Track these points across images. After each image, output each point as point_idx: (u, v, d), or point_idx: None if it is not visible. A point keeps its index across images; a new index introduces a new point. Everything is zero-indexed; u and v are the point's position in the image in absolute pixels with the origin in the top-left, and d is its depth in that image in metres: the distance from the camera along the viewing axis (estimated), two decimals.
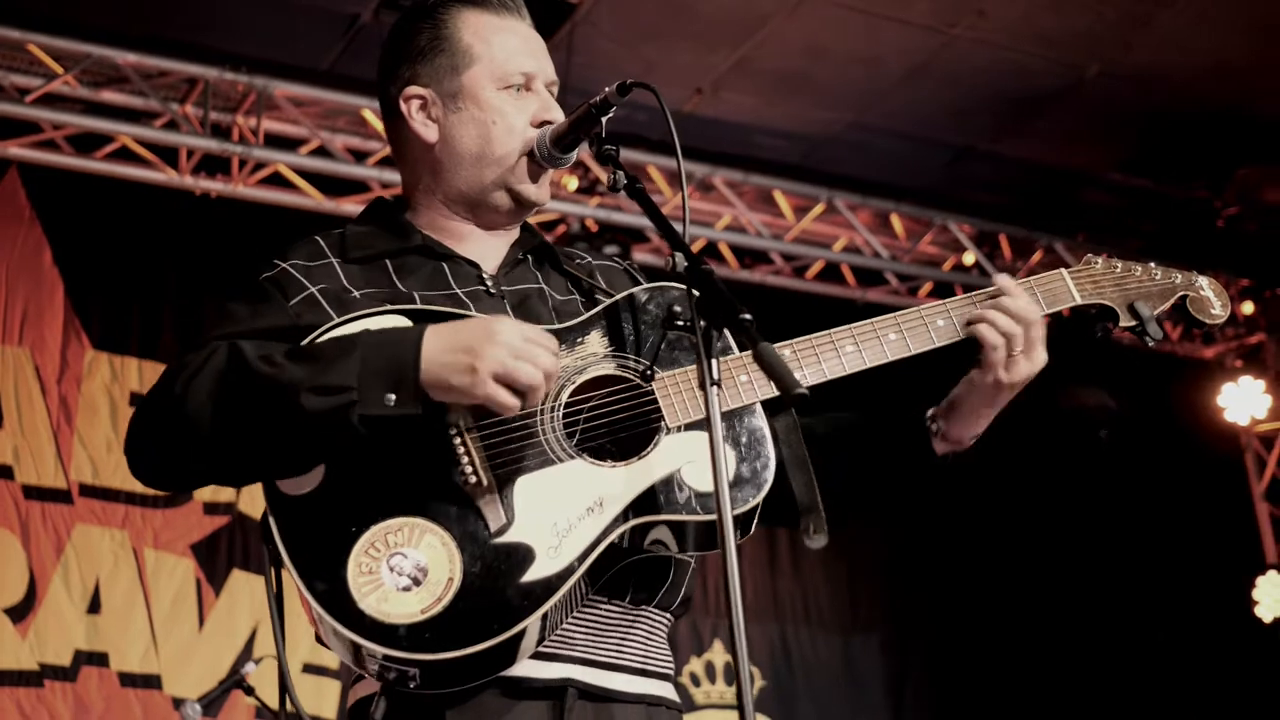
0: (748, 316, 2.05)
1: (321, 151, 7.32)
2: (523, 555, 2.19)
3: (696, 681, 7.94)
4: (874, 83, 7.58)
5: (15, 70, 6.85)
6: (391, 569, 2.15)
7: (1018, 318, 2.48)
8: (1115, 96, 7.71)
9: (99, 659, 6.46)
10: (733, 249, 8.29)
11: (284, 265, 2.43)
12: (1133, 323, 2.61)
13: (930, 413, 2.57)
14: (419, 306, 2.36)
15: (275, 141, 7.25)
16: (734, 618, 1.95)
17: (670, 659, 2.48)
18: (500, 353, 2.16)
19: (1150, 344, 2.61)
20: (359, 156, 7.41)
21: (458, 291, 2.45)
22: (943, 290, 8.62)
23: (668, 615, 2.46)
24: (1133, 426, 8.56)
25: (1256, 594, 8.78)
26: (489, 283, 2.49)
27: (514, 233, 2.62)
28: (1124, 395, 8.59)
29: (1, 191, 6.90)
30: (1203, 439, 9.08)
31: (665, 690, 2.43)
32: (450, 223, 2.56)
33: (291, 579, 2.18)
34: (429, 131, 2.54)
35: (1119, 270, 2.65)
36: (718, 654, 8.04)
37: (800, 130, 8.02)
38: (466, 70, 2.53)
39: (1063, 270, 2.62)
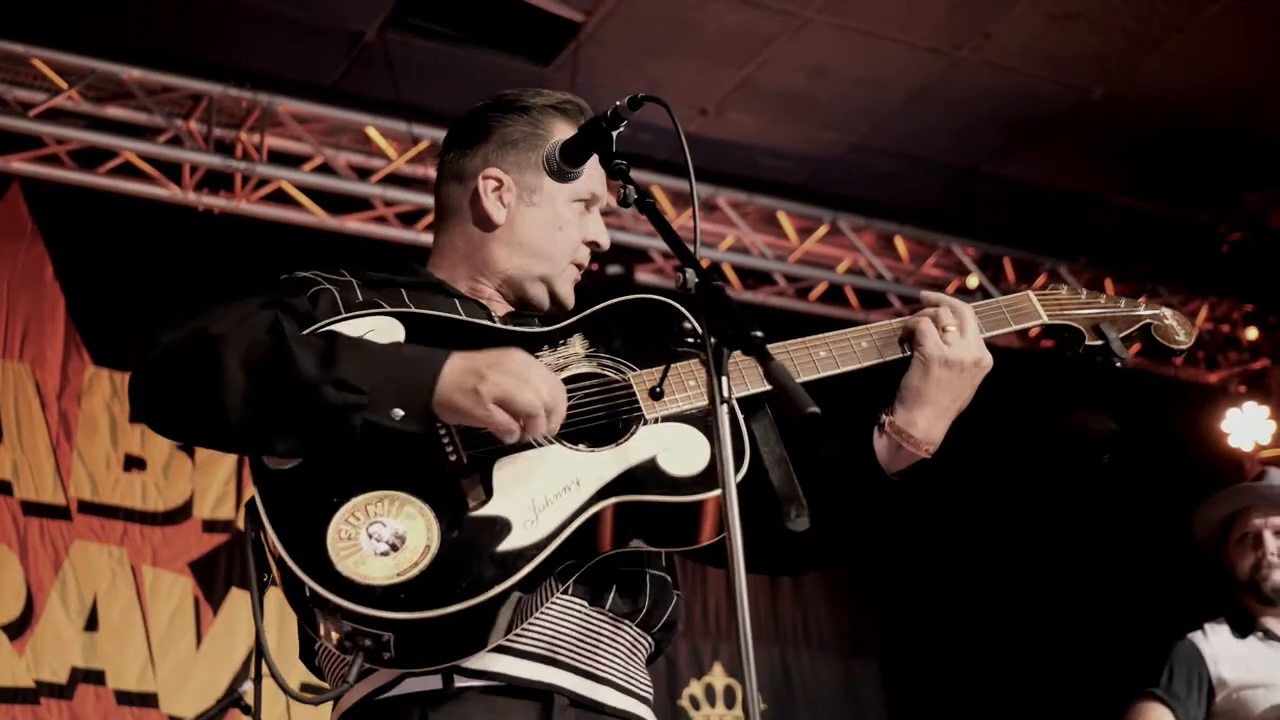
0: (759, 334, 2.07)
1: (325, 168, 7.31)
2: (500, 526, 2.24)
3: (696, 704, 7.89)
4: (879, 104, 7.58)
5: (19, 85, 6.82)
6: (370, 536, 2.20)
7: (940, 301, 2.63)
8: (1121, 120, 7.70)
9: (96, 677, 6.41)
10: (736, 270, 8.27)
11: (302, 273, 2.54)
12: (1098, 342, 2.71)
13: (883, 412, 2.61)
14: (415, 311, 2.45)
15: (279, 158, 7.23)
16: (739, 618, 1.94)
17: (650, 683, 2.51)
18: (505, 379, 2.22)
19: (1118, 364, 2.69)
20: (362, 174, 7.39)
21: (465, 319, 2.53)
22: None
23: (649, 637, 2.49)
24: (1135, 451, 8.52)
25: None
26: (497, 320, 2.58)
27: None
28: (1127, 419, 8.56)
29: (4, 206, 6.88)
30: (1206, 464, 9.03)
31: (646, 714, 2.47)
32: (472, 284, 2.66)
33: (271, 543, 2.22)
34: (499, 213, 2.65)
35: (1084, 296, 2.78)
36: (718, 676, 8.00)
37: (804, 151, 8.02)
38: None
39: (1029, 291, 2.76)
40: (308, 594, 2.18)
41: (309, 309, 2.42)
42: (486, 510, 2.25)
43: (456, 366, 2.25)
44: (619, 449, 2.36)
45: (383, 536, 2.19)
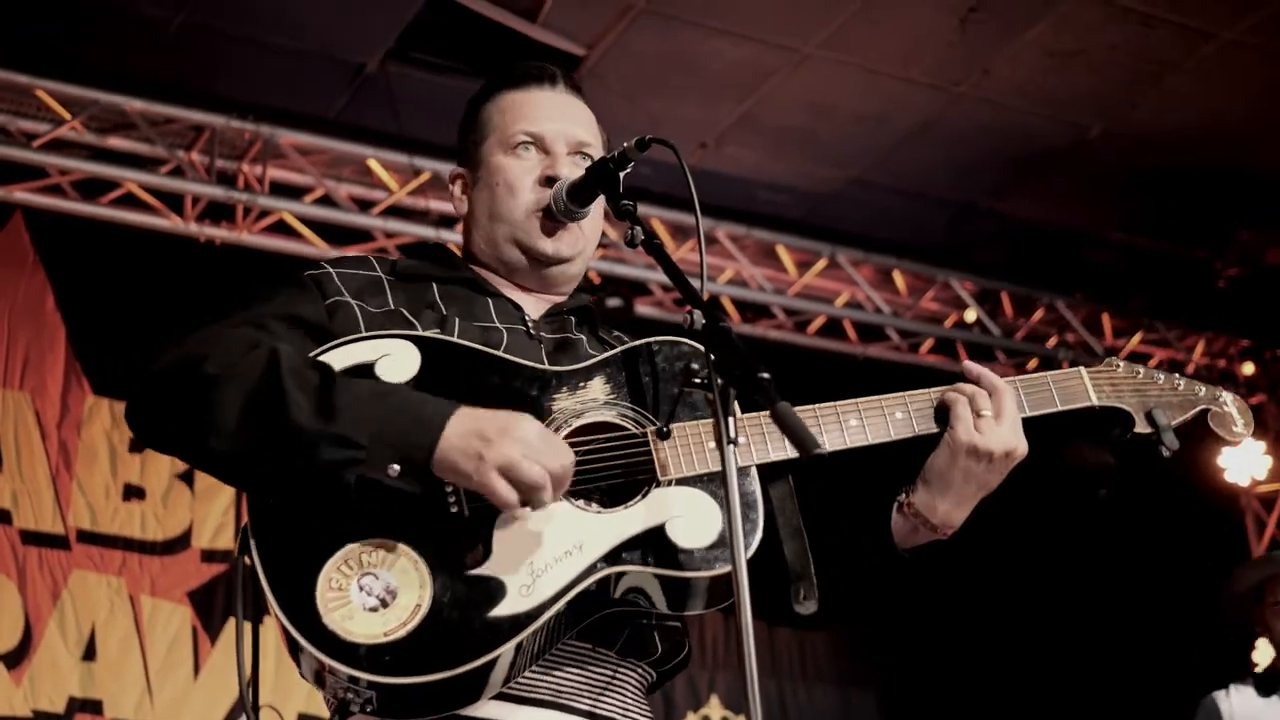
0: (766, 375, 2.05)
1: (326, 200, 7.33)
2: (494, 590, 2.18)
3: None
4: (877, 139, 7.61)
5: (22, 115, 6.85)
6: (361, 588, 2.14)
7: (979, 380, 2.50)
8: (1118, 156, 7.73)
9: (93, 706, 6.39)
10: (735, 303, 8.29)
11: (329, 268, 2.52)
12: (1148, 430, 2.58)
13: (905, 490, 2.53)
14: (434, 337, 2.38)
15: (280, 190, 7.25)
16: (748, 677, 1.93)
17: (650, 713, 2.47)
18: (513, 448, 2.15)
19: (1165, 454, 2.56)
20: (364, 205, 7.42)
21: (497, 325, 2.50)
22: (944, 347, 8.62)
23: (654, 671, 2.46)
24: (1132, 485, 8.53)
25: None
26: (530, 325, 2.53)
27: (558, 296, 2.67)
28: (1124, 454, 8.56)
29: (6, 236, 6.89)
30: (1203, 499, 9.04)
31: None
32: (493, 276, 2.64)
33: (261, 584, 2.18)
34: (462, 205, 2.70)
35: (1140, 376, 2.63)
36: (714, 709, 7.97)
37: (803, 186, 8.04)
38: (484, 142, 2.66)
39: (1081, 369, 2.62)
40: (291, 642, 2.15)
41: (323, 320, 2.39)
42: (483, 570, 2.18)
43: (460, 428, 2.17)
44: (628, 513, 2.27)
45: (374, 590, 2.14)
